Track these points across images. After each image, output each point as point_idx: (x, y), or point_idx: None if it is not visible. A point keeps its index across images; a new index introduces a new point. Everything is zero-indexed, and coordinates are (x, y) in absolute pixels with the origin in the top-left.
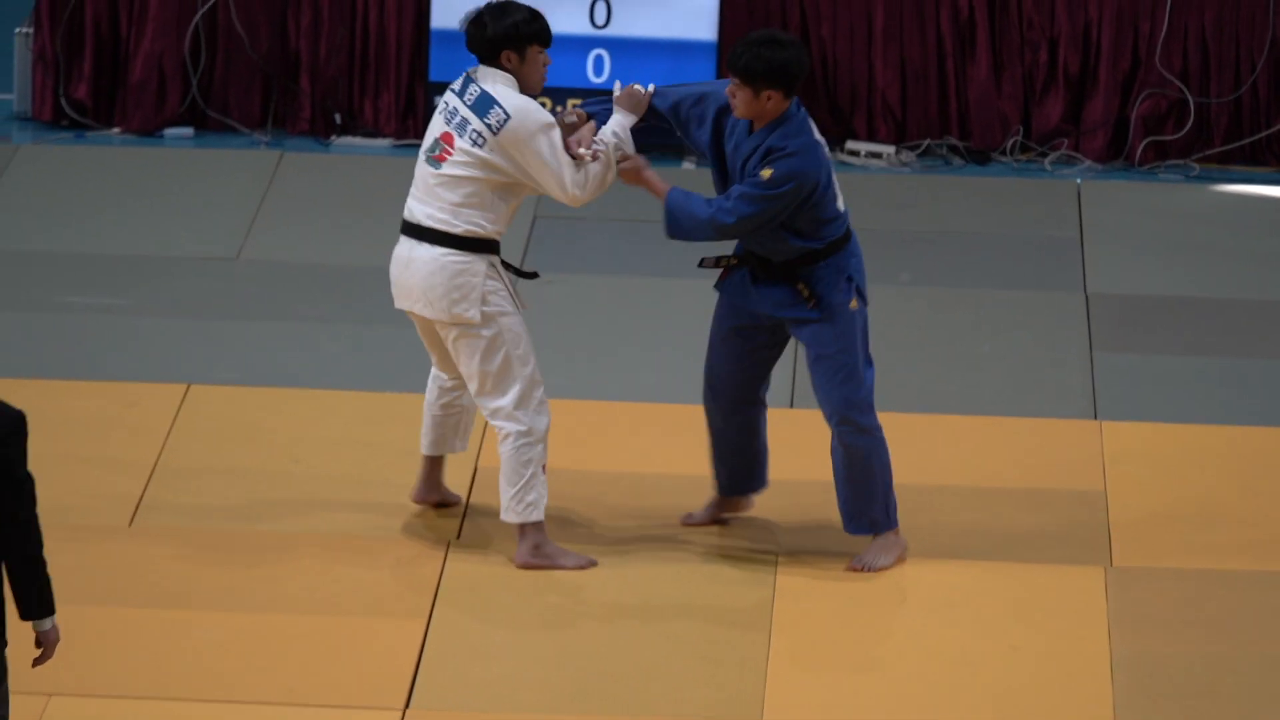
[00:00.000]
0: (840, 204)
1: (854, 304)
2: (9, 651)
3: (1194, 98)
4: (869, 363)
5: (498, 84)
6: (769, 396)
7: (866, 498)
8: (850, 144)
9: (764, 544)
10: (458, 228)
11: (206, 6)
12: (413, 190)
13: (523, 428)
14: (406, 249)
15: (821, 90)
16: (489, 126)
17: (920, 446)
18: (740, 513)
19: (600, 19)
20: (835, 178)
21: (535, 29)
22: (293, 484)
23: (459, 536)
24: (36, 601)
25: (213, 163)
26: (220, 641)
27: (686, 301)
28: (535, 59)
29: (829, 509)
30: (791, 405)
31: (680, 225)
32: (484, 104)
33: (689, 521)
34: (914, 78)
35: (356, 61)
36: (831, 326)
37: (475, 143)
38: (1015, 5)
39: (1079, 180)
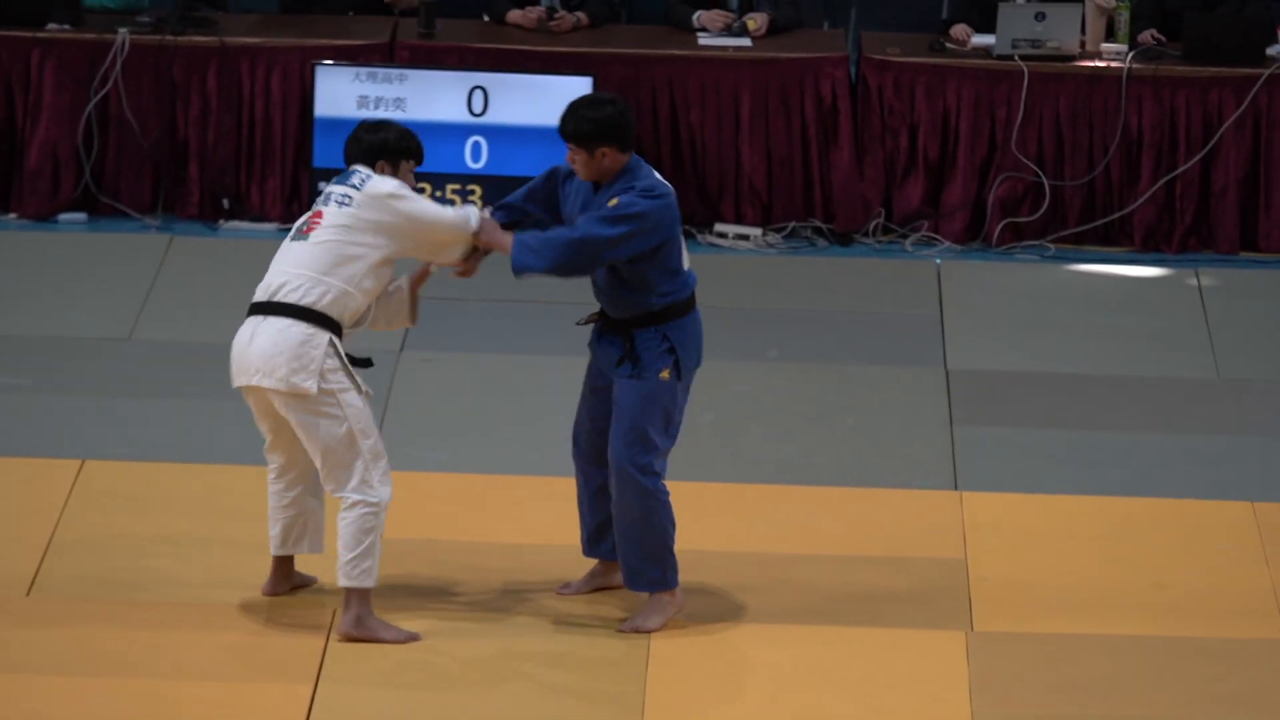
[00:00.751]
0: (685, 262)
1: (665, 374)
2: None
3: (1049, 181)
4: (669, 433)
5: (361, 170)
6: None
7: (645, 556)
8: (719, 226)
9: (630, 608)
10: (310, 297)
11: (99, 97)
12: (271, 270)
13: (369, 498)
14: (250, 326)
15: (690, 174)
16: (353, 186)
17: (787, 516)
18: (617, 584)
19: (478, 107)
20: (683, 240)
21: (410, 144)
22: (185, 554)
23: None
24: None
25: (106, 247)
26: (115, 708)
27: (561, 378)
28: (407, 173)
29: (698, 575)
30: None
31: (527, 246)
32: (347, 174)
33: (564, 592)
34: (779, 163)
35: (243, 148)
36: (638, 388)
37: (341, 203)
38: (876, 93)
39: (939, 261)
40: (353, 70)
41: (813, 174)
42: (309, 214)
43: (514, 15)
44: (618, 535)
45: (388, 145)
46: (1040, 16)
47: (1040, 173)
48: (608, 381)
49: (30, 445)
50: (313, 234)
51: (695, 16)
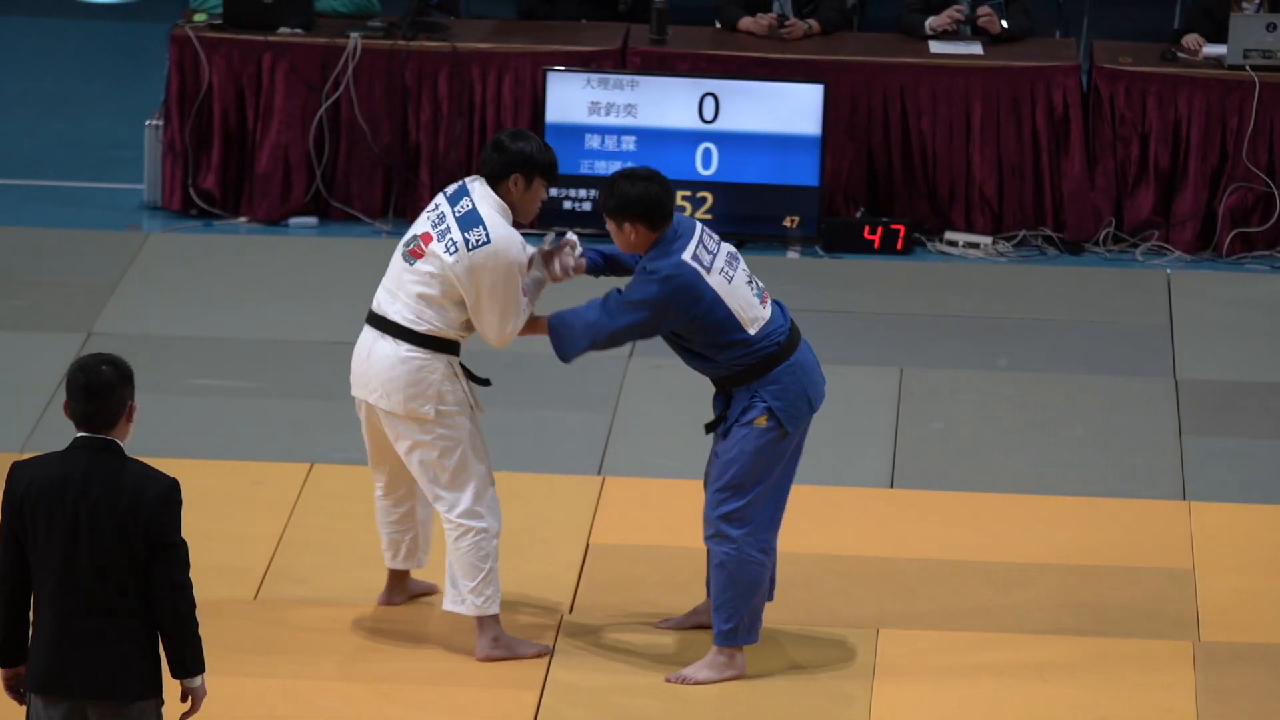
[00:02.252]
0: (752, 330)
1: (762, 420)
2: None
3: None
4: (761, 484)
5: (489, 206)
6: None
7: (728, 608)
8: (949, 234)
9: (862, 614)
10: (421, 326)
11: (330, 101)
12: (384, 281)
13: (482, 524)
14: (369, 340)
15: (921, 182)
16: (466, 241)
17: (1015, 525)
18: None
19: (709, 114)
20: (741, 308)
21: (550, 160)
22: None
23: (571, 611)
24: (188, 660)
25: (336, 251)
26: (338, 711)
27: None
28: (539, 189)
29: (927, 583)
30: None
31: (558, 334)
32: (470, 220)
33: (664, 626)
34: (1010, 171)
35: (474, 154)
36: (731, 439)
37: (449, 250)
38: (1108, 102)
39: (1169, 270)
40: (584, 76)
41: (1043, 182)
42: (420, 230)
43: (745, 22)
44: (710, 587)
45: (532, 159)
46: (1271, 27)
47: (1271, 183)
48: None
49: (260, 449)
50: (418, 261)
51: (927, 23)
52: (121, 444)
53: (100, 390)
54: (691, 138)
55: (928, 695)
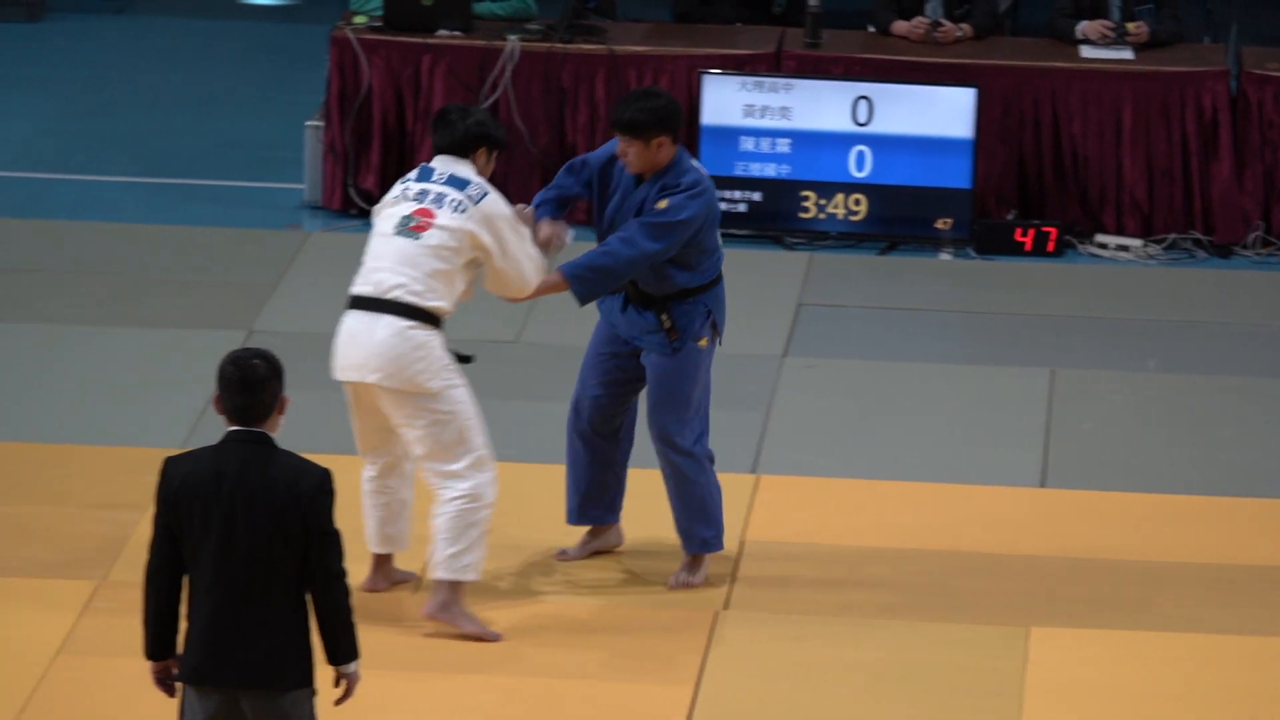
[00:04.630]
0: (718, 238)
1: (703, 341)
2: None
3: None
4: (706, 395)
5: (466, 169)
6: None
7: (693, 518)
8: (1100, 237)
9: (1014, 611)
10: (427, 301)
11: (488, 103)
12: (377, 264)
13: (471, 490)
14: (364, 322)
15: (1072, 184)
16: (470, 197)
17: (1165, 525)
18: (611, 547)
19: (862, 117)
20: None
21: (502, 134)
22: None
23: (726, 606)
24: (344, 647)
25: None
26: (497, 705)
27: (942, 384)
28: (491, 163)
29: (1077, 581)
30: (1043, 484)
31: (584, 280)
32: (459, 181)
33: (564, 558)
34: (1160, 175)
35: None
36: (679, 357)
37: (458, 209)
38: (1256, 107)
39: None
40: (739, 79)
41: (1193, 186)
42: (407, 210)
43: (899, 26)
44: (671, 500)
45: (489, 134)
46: None
47: None
48: (627, 349)
49: None
50: (425, 235)
51: (1078, 28)
52: (273, 436)
53: (253, 384)
54: (845, 140)
55: (1079, 693)
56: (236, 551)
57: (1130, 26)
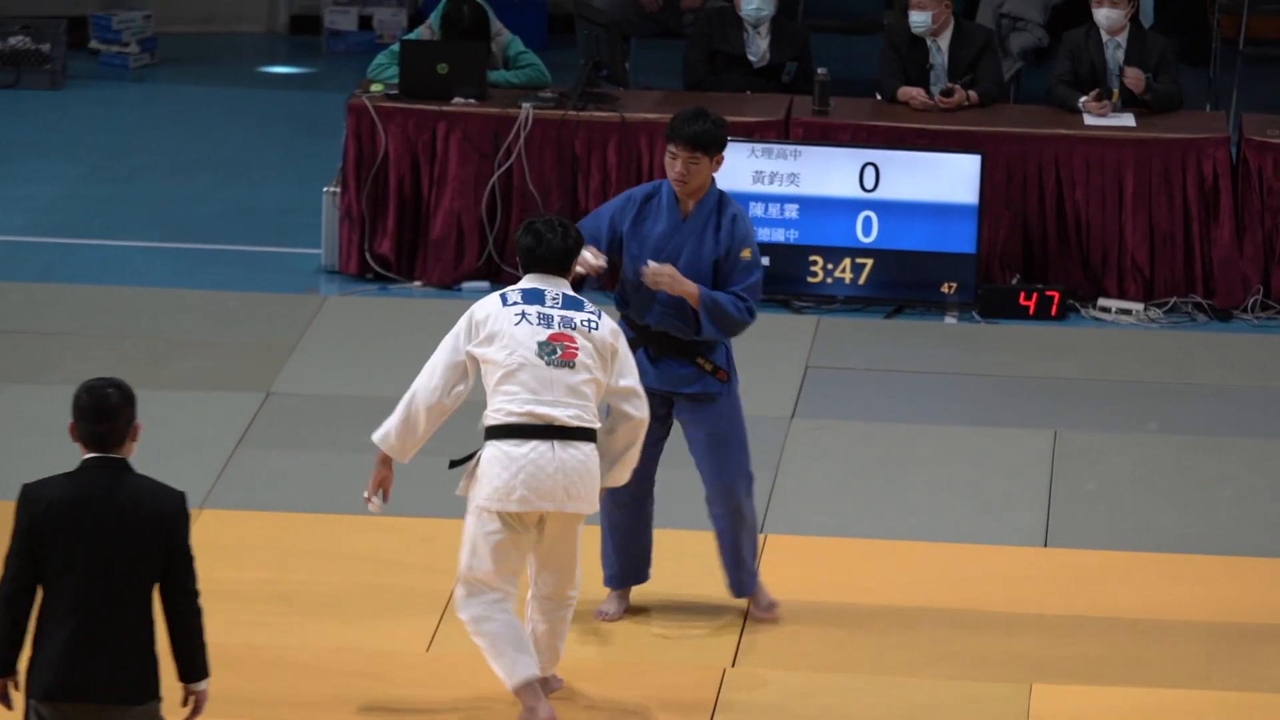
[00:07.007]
0: None
1: (724, 376)
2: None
3: None
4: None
5: (566, 288)
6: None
7: (751, 552)
8: (1102, 301)
9: (1016, 668)
10: (593, 424)
11: (503, 169)
12: (536, 396)
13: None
14: (553, 451)
15: (1075, 249)
16: (593, 314)
17: (1166, 584)
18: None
19: (869, 183)
20: None
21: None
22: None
23: (733, 664)
24: (198, 665)
25: None
26: None
27: (952, 446)
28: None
29: (1079, 639)
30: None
31: (718, 326)
32: (573, 302)
33: (608, 619)
34: (1161, 239)
35: None
36: (729, 401)
37: (591, 327)
38: (1257, 173)
39: None
40: (749, 146)
41: (1194, 251)
42: (540, 337)
43: (904, 91)
44: (742, 545)
45: (573, 252)
46: None
47: None
48: (667, 407)
49: (434, 506)
50: (575, 361)
51: (1081, 101)
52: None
53: (107, 411)
54: (853, 206)
55: None
56: (102, 572)
57: (1128, 70)
